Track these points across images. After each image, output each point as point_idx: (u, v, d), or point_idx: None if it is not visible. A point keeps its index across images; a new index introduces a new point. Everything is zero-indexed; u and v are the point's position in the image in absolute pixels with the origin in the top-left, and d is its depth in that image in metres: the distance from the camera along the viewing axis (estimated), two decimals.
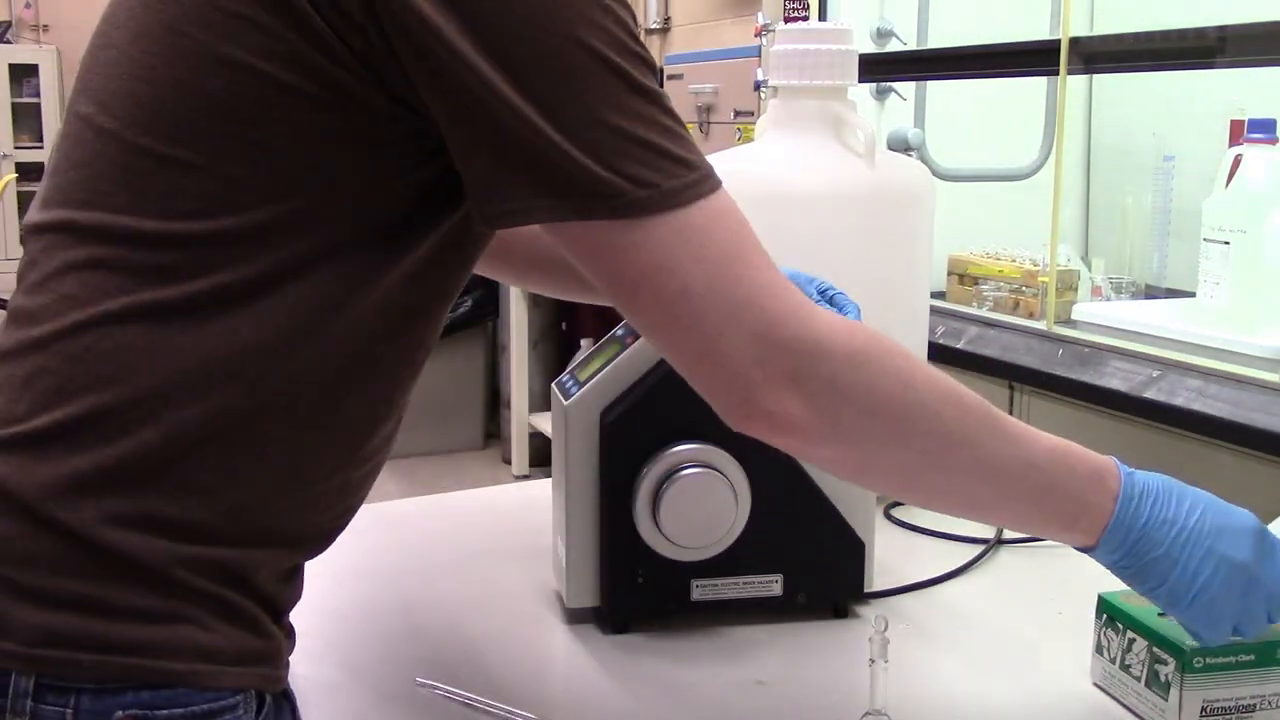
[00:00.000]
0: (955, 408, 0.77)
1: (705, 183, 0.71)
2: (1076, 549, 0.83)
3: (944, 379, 0.78)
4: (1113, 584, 0.95)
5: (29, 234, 0.75)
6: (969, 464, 0.78)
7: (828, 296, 1.05)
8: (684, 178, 0.70)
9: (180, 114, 0.70)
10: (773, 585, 1.02)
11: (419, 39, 0.67)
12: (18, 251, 6.58)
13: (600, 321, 4.02)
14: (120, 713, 0.67)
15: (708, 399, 0.75)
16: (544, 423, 4.24)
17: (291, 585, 0.78)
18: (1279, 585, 0.82)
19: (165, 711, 0.68)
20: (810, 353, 0.72)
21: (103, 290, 0.70)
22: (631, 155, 0.69)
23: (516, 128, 0.67)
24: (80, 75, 0.77)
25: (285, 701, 0.76)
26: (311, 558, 0.79)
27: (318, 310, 0.72)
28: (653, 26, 4.74)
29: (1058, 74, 1.95)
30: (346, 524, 0.81)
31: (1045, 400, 1.93)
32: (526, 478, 4.42)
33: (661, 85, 0.73)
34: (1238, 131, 1.84)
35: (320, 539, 0.79)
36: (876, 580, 1.07)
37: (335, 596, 1.07)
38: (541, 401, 4.38)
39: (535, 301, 4.47)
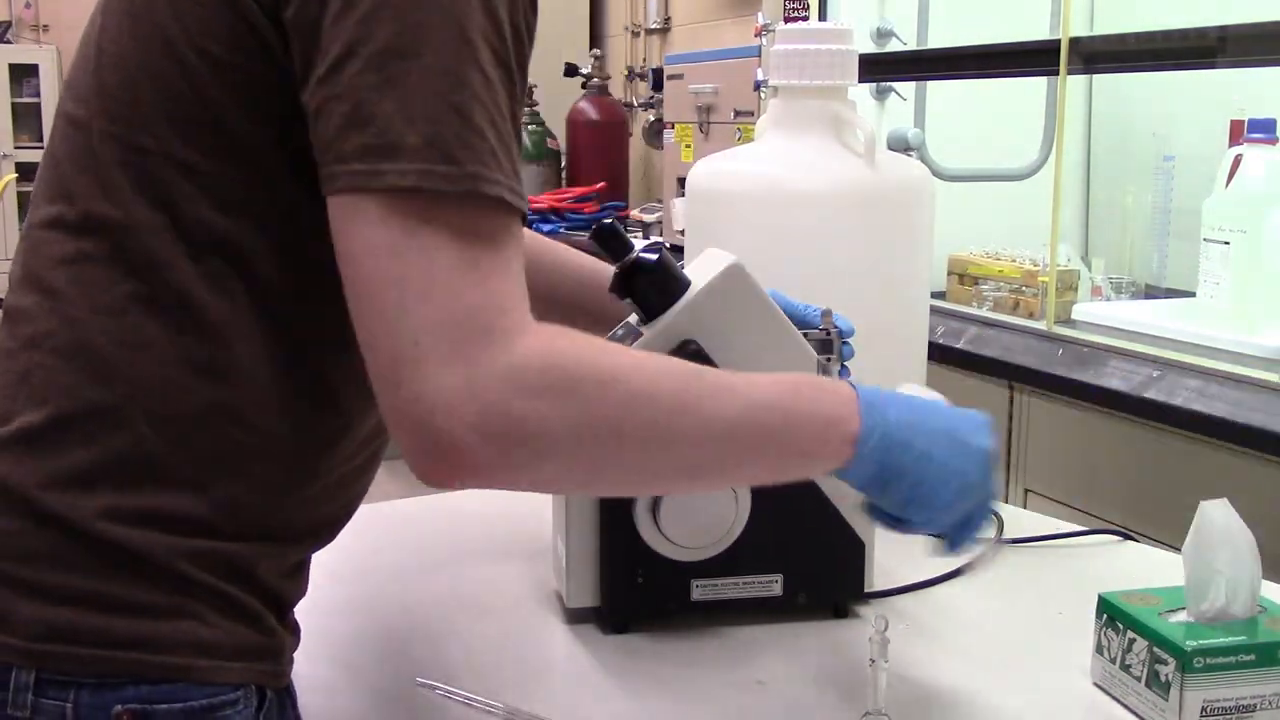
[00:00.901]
0: (665, 401, 0.71)
1: (507, 193, 0.66)
2: (834, 474, 0.78)
3: (643, 369, 0.71)
4: (1113, 584, 0.95)
5: (23, 234, 0.76)
6: (693, 434, 0.72)
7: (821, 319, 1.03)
8: (490, 174, 0.65)
9: (141, 100, 0.71)
10: (773, 585, 1.02)
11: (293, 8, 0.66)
12: None
13: None
14: (119, 707, 0.67)
15: (392, 429, 0.67)
16: None
17: (296, 580, 0.78)
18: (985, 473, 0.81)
19: (164, 706, 0.68)
20: (512, 378, 0.66)
21: (91, 284, 0.70)
22: (451, 127, 0.64)
23: (335, 93, 0.64)
24: (67, 76, 0.78)
25: (288, 698, 0.76)
26: (314, 551, 0.79)
27: (299, 299, 0.72)
28: (653, 26, 4.74)
29: (1058, 74, 1.95)
30: (348, 517, 0.81)
31: (1045, 400, 1.94)
32: None
33: (661, 86, 0.71)
34: (1238, 131, 1.84)
35: (321, 533, 0.79)
36: (876, 580, 1.06)
37: (335, 596, 1.07)
38: None
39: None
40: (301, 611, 0.81)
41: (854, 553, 1.03)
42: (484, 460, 0.66)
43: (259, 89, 0.69)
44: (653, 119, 4.21)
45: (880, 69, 2.44)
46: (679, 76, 3.79)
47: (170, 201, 0.70)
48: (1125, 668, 0.90)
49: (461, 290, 0.64)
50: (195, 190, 0.70)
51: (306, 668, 0.93)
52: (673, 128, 3.85)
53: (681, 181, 1.34)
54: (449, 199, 0.64)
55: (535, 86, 3.93)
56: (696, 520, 0.97)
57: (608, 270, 0.97)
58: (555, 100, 4.20)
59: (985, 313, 2.13)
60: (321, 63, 0.65)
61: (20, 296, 0.73)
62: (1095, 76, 2.40)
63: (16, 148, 6.73)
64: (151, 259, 0.70)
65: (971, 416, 0.82)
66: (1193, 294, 1.87)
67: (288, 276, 0.72)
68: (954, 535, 0.83)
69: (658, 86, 4.08)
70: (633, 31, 4.89)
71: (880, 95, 2.52)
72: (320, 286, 0.71)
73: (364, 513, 0.85)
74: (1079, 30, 2.02)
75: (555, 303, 1.12)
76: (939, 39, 2.47)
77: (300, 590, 0.79)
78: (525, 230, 1.10)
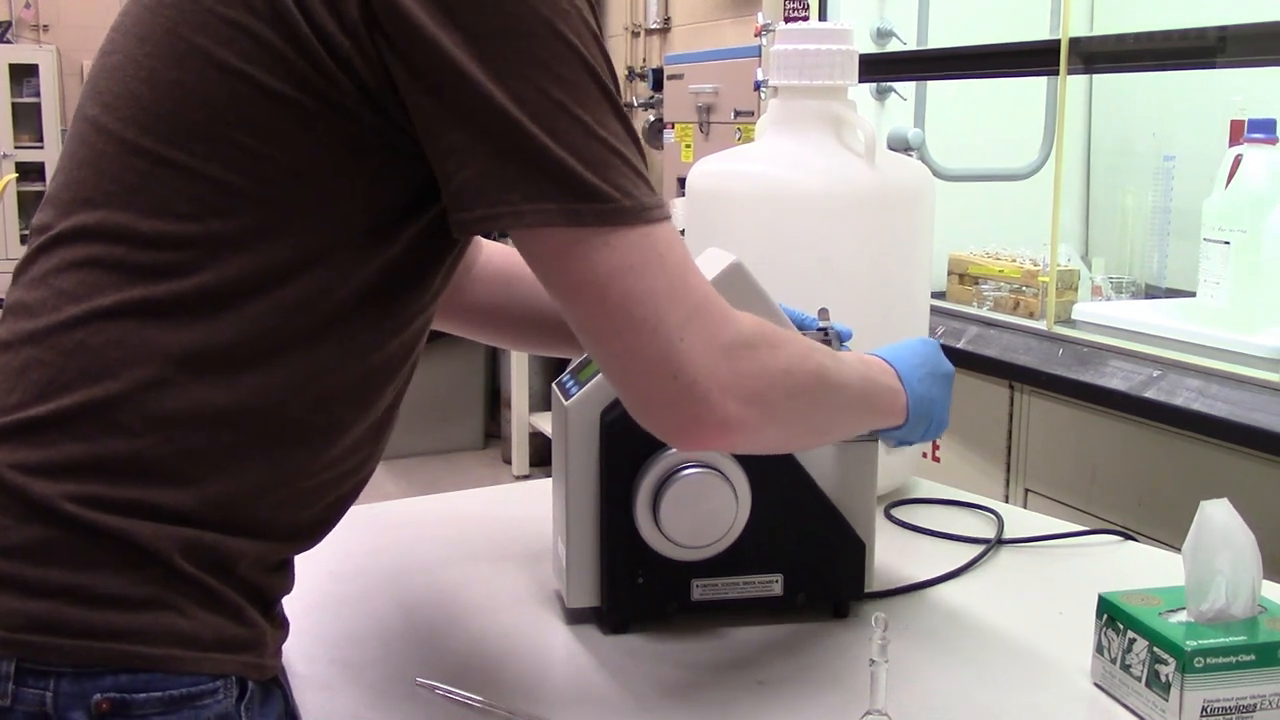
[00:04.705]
0: (829, 358, 0.87)
1: (662, 209, 0.75)
2: (883, 431, 0.97)
3: (801, 342, 0.85)
4: (1113, 584, 0.95)
5: (34, 232, 0.78)
6: (844, 401, 0.89)
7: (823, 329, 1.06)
8: (651, 198, 0.74)
9: (177, 116, 0.72)
10: (773, 585, 1.02)
11: (415, 49, 0.69)
12: (18, 251, 6.59)
13: None
14: (98, 696, 0.68)
15: (654, 412, 0.76)
16: (544, 423, 4.24)
17: (281, 576, 0.79)
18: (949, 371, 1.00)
19: (142, 695, 0.69)
20: (743, 355, 0.77)
21: (97, 287, 0.72)
22: (615, 168, 0.72)
23: (512, 134, 0.69)
24: (89, 80, 0.79)
25: (278, 689, 0.77)
26: (299, 552, 0.80)
27: (299, 311, 0.73)
28: (653, 26, 4.75)
29: (1058, 74, 1.95)
30: (334, 520, 0.82)
31: (1045, 400, 1.94)
32: (526, 478, 4.42)
33: (661, 86, 0.75)
34: (1238, 131, 1.84)
35: (304, 534, 0.80)
36: (876, 580, 1.07)
37: (335, 596, 1.07)
38: (541, 401, 4.38)
39: None
40: (301, 611, 0.81)
41: (854, 553, 1.03)
42: (749, 424, 0.77)
43: (308, 118, 0.71)
44: (653, 119, 4.21)
45: (880, 69, 2.45)
46: (679, 76, 3.80)
47: (199, 217, 0.71)
48: (1125, 668, 0.90)
49: (693, 286, 0.75)
50: (226, 207, 0.71)
51: (306, 668, 0.93)
52: (673, 127, 3.85)
53: (681, 181, 1.34)
54: (659, 220, 0.73)
55: None
56: (697, 520, 0.97)
57: None
58: None
59: (985, 313, 2.13)
60: (457, 106, 0.69)
61: (25, 292, 0.75)
62: (1095, 76, 2.40)
63: (16, 147, 6.72)
64: (165, 269, 0.71)
65: (935, 348, 1.00)
66: (1193, 294, 1.87)
67: (299, 296, 0.73)
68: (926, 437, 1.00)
69: (658, 86, 4.08)
70: (633, 31, 4.90)
71: (880, 95, 2.52)
72: (325, 305, 0.74)
73: (364, 513, 0.85)
74: (1079, 30, 2.02)
75: (547, 321, 1.12)
76: (939, 39, 2.47)
77: (285, 586, 0.80)
78: (512, 252, 1.14)
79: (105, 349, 0.71)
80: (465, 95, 0.69)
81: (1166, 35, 1.82)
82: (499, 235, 0.80)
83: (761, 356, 0.78)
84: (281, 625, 0.79)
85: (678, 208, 3.08)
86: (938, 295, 2.14)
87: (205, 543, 0.72)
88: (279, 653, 0.78)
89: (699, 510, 0.97)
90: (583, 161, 0.70)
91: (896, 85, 2.49)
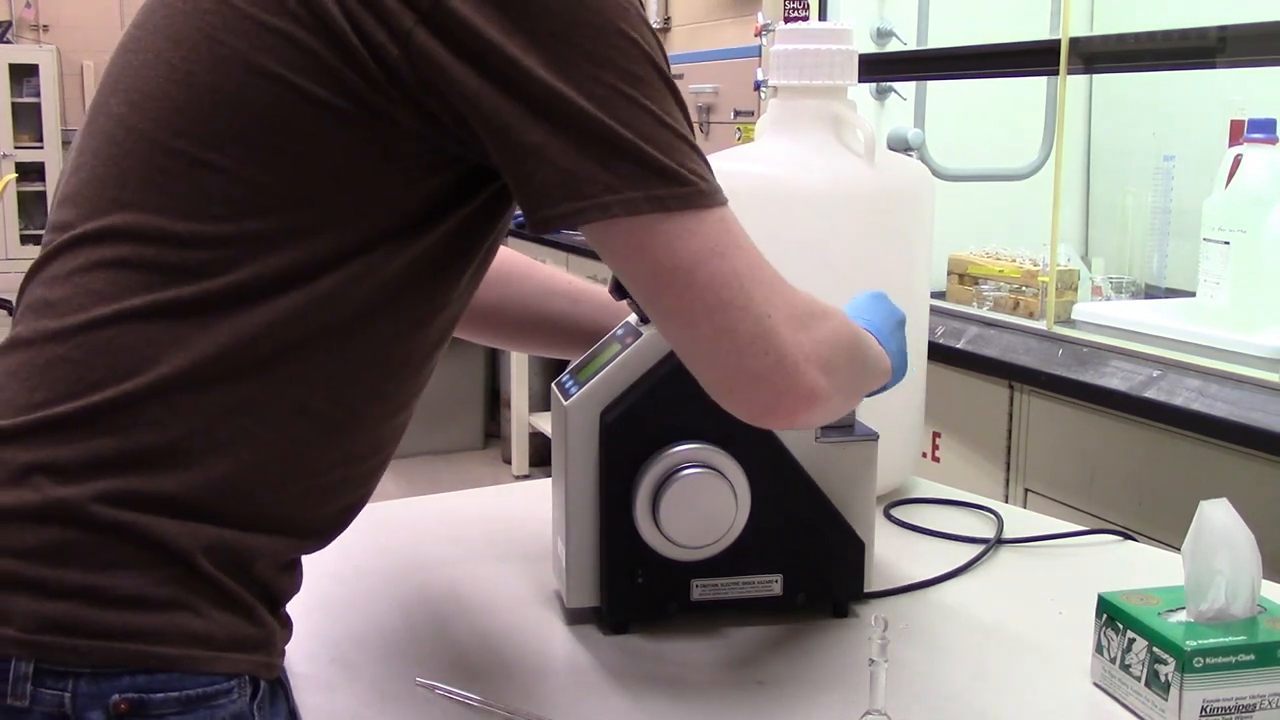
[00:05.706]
0: (863, 335, 0.90)
1: (722, 192, 0.76)
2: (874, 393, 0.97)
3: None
4: (1112, 584, 0.95)
5: (53, 230, 0.77)
6: (873, 362, 0.92)
7: None
8: (717, 182, 0.75)
9: (213, 119, 0.72)
10: (773, 585, 1.02)
11: (481, 58, 0.70)
12: (18, 251, 6.60)
13: None
14: (116, 696, 0.68)
15: (745, 390, 0.77)
16: (544, 423, 4.23)
17: (290, 576, 0.80)
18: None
19: (160, 695, 0.69)
20: (813, 325, 0.79)
21: (128, 288, 0.72)
22: (687, 154, 0.73)
23: (591, 129, 0.70)
24: (111, 77, 0.79)
25: (281, 689, 0.78)
26: (310, 551, 0.81)
27: (329, 308, 0.74)
28: (652, 26, 4.74)
29: (1058, 74, 1.95)
30: (348, 522, 0.83)
31: (1045, 400, 1.94)
32: (526, 478, 4.42)
33: None
34: (1238, 131, 1.84)
35: (320, 533, 0.81)
36: (876, 580, 1.06)
37: (335, 596, 1.07)
38: (541, 401, 4.37)
39: None
40: (302, 611, 0.81)
41: (854, 553, 1.03)
42: (826, 392, 0.79)
43: (349, 123, 0.72)
44: None
45: (880, 69, 2.45)
46: (679, 76, 3.79)
47: (234, 217, 0.72)
48: (1125, 668, 0.90)
49: (765, 263, 0.77)
50: (262, 208, 0.72)
51: (306, 668, 0.93)
52: None
53: None
54: (725, 202, 0.75)
55: None
56: (696, 520, 0.97)
57: (594, 288, 1.09)
58: None
59: (985, 313, 2.13)
60: (533, 108, 0.70)
61: (47, 289, 0.75)
62: (1095, 76, 2.40)
63: (16, 147, 6.72)
64: (197, 269, 0.72)
65: (884, 297, 1.03)
66: (1193, 294, 1.87)
67: (332, 288, 0.74)
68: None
69: None
70: None
71: (880, 95, 2.52)
72: (355, 303, 0.74)
73: (364, 513, 0.85)
74: (1079, 30, 2.02)
75: (546, 322, 1.13)
76: (939, 39, 2.47)
77: (294, 586, 0.80)
78: (511, 252, 1.15)
79: (136, 347, 0.71)
80: (540, 97, 0.70)
81: (1166, 35, 1.82)
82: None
83: (825, 324, 0.81)
84: (286, 625, 0.80)
85: None
86: (938, 295, 2.14)
87: (226, 541, 0.72)
88: (284, 652, 0.79)
89: (699, 510, 0.97)
90: (659, 149, 0.72)
91: (896, 85, 2.49)
